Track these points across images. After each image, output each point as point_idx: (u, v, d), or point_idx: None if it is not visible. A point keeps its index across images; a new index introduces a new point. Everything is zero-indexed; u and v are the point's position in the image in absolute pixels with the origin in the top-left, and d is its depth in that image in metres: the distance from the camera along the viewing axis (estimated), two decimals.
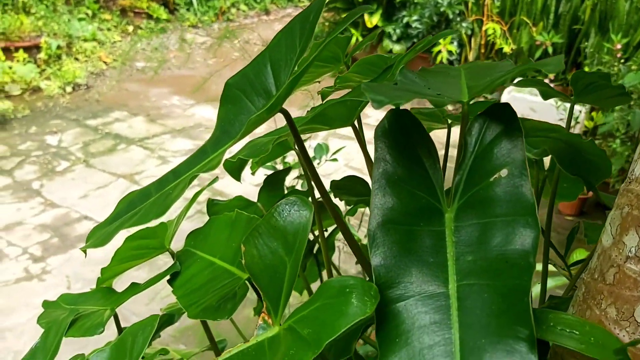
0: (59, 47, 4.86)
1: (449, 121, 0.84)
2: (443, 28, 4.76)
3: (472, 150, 0.56)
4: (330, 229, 1.05)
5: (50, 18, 5.06)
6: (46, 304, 0.88)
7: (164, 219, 0.68)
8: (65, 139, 4.05)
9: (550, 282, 1.59)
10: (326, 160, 1.91)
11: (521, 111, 2.99)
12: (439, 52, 4.60)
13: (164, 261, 2.45)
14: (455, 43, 4.68)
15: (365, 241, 0.73)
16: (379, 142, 0.56)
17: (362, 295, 0.46)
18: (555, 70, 0.55)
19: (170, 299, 0.77)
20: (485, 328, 0.46)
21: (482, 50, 4.59)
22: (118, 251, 0.82)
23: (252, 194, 1.01)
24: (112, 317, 0.77)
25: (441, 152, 0.66)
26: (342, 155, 2.36)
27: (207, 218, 0.82)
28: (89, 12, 5.61)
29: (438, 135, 0.77)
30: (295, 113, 0.68)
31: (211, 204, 0.89)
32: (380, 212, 0.53)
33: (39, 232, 3.12)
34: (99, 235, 0.60)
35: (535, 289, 0.97)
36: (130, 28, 5.97)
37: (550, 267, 0.83)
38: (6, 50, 4.61)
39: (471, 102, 0.60)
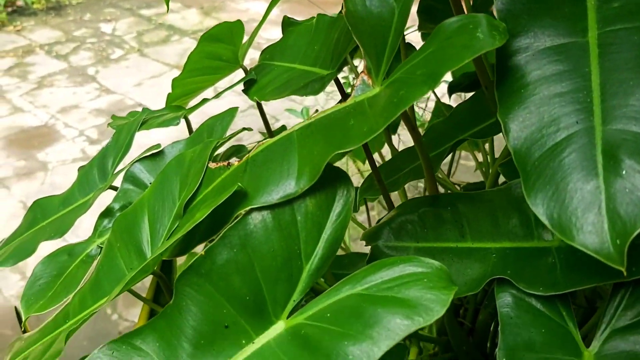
0: None
1: None
2: None
3: None
4: None
5: None
6: (115, 117, 0.87)
7: None
8: (119, 27, 4.04)
9: None
10: None
11: None
12: None
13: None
14: None
15: None
16: None
17: (489, 30, 0.40)
18: None
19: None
20: (634, 70, 0.40)
21: None
22: (191, 57, 0.79)
23: None
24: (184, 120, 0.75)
25: None
26: None
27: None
28: None
29: None
30: None
31: (287, 21, 0.83)
32: None
33: (95, 116, 3.16)
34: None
35: None
36: None
37: None
38: None
39: None
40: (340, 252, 0.56)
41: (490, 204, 0.60)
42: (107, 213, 0.66)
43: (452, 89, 1.11)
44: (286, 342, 0.47)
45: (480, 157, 1.16)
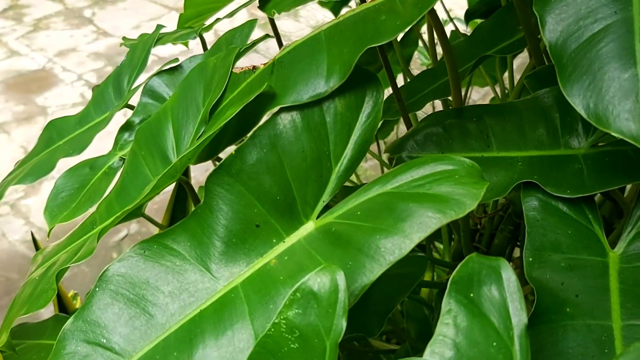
0: None
1: None
2: None
3: None
4: None
5: None
6: (126, 39, 0.86)
7: None
8: None
9: None
10: None
11: None
12: None
13: None
14: None
15: None
16: None
17: None
18: None
19: None
20: None
21: None
22: None
23: None
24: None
25: None
26: None
27: None
28: None
29: None
30: None
31: None
32: None
33: (93, 59, 3.13)
34: None
35: None
36: None
37: None
38: None
39: None
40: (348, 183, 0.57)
41: (517, 115, 0.60)
42: (127, 127, 0.67)
43: (469, 16, 1.10)
44: (317, 240, 0.49)
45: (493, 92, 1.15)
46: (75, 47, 3.24)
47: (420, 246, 0.98)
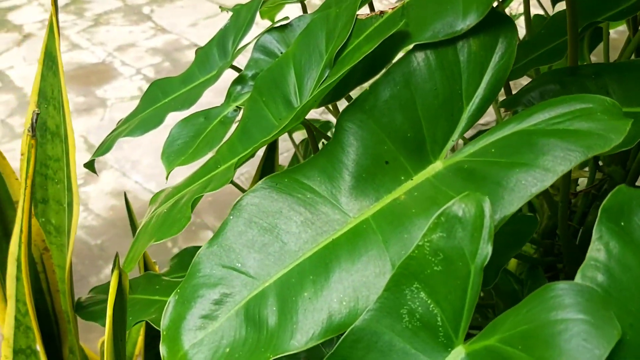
0: None
1: None
2: None
3: None
4: None
5: None
6: (223, 6, 0.90)
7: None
8: None
9: None
10: None
11: None
12: None
13: None
14: None
15: None
16: None
17: None
18: None
19: None
20: None
21: None
22: None
23: None
24: None
25: None
26: None
27: None
28: None
29: None
30: None
31: None
32: None
33: (151, 55, 3.23)
34: None
35: None
36: None
37: None
38: None
39: None
40: None
41: (637, 71, 0.61)
42: (239, 80, 0.69)
43: None
44: (447, 177, 0.50)
45: None
46: (134, 42, 3.34)
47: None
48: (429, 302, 0.43)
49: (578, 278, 0.41)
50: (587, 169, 0.86)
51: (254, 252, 0.50)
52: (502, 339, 0.41)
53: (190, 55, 3.30)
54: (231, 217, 0.51)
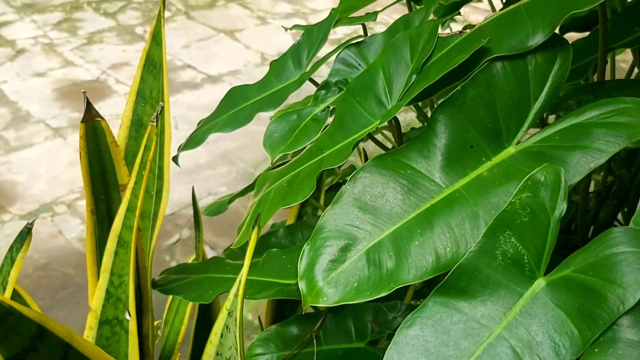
0: None
1: None
2: None
3: None
4: None
5: None
6: (295, 26, 1.06)
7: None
8: None
9: None
10: None
11: None
12: None
13: None
14: None
15: None
16: None
17: None
18: None
19: None
20: None
21: None
22: None
23: None
24: None
25: None
26: None
27: None
28: None
29: None
30: None
31: None
32: None
33: None
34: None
35: None
36: None
37: None
38: None
39: None
40: None
41: None
42: (324, 86, 0.85)
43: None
44: (520, 158, 0.66)
45: None
46: (128, 61, 3.46)
47: None
48: (518, 245, 0.59)
49: (631, 224, 0.57)
50: (602, 173, 1.04)
51: (368, 213, 0.65)
52: (575, 269, 0.57)
53: (184, 76, 3.44)
54: (348, 187, 0.67)
